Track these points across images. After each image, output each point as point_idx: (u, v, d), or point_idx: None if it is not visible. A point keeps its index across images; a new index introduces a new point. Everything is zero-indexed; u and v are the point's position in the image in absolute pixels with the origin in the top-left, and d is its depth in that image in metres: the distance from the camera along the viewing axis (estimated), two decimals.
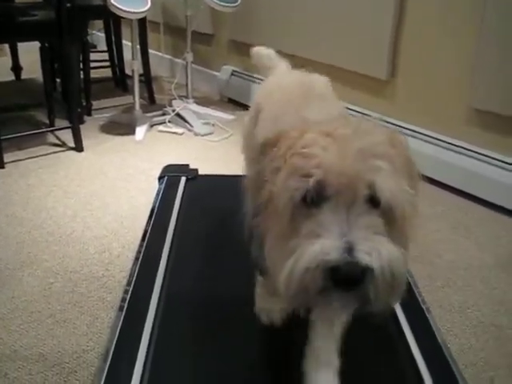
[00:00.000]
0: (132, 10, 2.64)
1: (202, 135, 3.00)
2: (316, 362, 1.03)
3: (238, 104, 3.45)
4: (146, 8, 2.68)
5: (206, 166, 2.58)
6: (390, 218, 0.75)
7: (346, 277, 0.68)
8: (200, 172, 2.10)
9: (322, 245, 0.69)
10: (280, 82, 1.36)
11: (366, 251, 0.68)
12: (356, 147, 0.74)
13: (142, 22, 3.24)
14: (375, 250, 0.69)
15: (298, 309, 0.81)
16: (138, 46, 3.21)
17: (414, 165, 0.85)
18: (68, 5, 2.72)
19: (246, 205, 0.91)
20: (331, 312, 1.01)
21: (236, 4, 3.01)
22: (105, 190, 2.37)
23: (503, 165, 2.22)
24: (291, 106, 1.12)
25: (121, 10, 2.61)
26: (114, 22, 3.58)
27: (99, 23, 4.05)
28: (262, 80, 1.59)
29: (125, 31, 3.56)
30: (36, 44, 2.86)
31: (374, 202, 0.73)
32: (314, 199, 0.73)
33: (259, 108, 1.31)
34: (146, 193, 2.30)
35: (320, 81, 1.29)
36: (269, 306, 1.20)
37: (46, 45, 2.85)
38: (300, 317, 0.85)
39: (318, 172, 0.72)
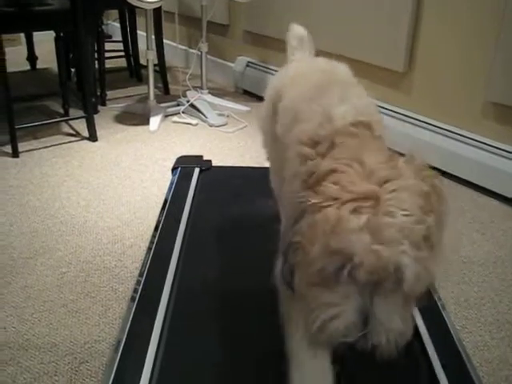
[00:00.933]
0: (147, 0, 2.62)
1: (217, 126, 2.98)
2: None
3: (252, 95, 3.43)
4: None
5: (220, 157, 2.58)
6: (409, 294, 0.81)
7: (360, 350, 0.81)
8: (214, 163, 2.10)
9: (345, 323, 0.79)
10: (301, 69, 1.33)
11: (379, 333, 0.79)
12: (395, 226, 0.75)
13: (157, 11, 3.22)
14: (387, 333, 0.79)
15: None
16: (153, 36, 3.19)
17: (444, 220, 0.87)
18: None
19: (283, 220, 0.96)
20: None
21: None
22: (118, 180, 2.37)
23: None
24: (313, 96, 1.10)
25: None
26: (129, 12, 3.57)
27: (115, 13, 4.04)
28: (277, 71, 1.56)
29: (140, 21, 3.55)
30: (51, 33, 2.87)
31: (398, 282, 0.77)
32: (345, 276, 0.78)
33: (279, 95, 1.28)
34: (160, 183, 2.29)
35: (341, 68, 1.28)
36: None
37: (61, 35, 2.84)
38: None
39: (352, 257, 0.75)
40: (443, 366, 1.13)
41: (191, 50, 3.80)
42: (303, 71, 1.30)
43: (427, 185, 0.82)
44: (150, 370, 1.11)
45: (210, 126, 2.99)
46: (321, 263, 0.78)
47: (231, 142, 2.82)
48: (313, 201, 0.81)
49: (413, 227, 0.76)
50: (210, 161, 2.04)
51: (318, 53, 2.67)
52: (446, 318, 1.29)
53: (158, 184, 2.31)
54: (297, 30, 1.57)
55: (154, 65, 3.17)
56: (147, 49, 3.02)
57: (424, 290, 0.83)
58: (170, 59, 3.69)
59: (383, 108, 2.64)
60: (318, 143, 0.91)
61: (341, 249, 0.76)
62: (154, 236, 1.58)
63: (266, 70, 3.31)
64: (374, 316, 0.78)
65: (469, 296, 1.69)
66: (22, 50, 3.87)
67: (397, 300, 0.80)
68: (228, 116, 3.11)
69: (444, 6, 2.36)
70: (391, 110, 2.61)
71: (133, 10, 3.43)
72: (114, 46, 3.76)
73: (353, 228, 0.75)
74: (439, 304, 1.33)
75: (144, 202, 2.19)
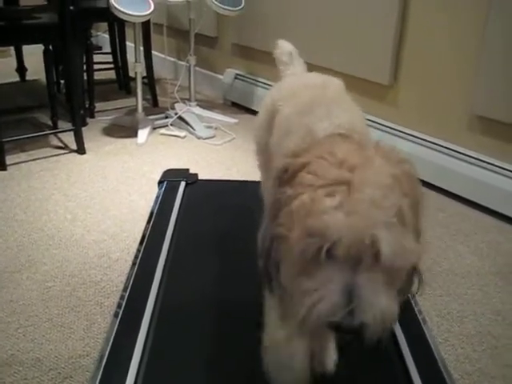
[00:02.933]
0: (135, 14, 2.64)
1: (205, 139, 3.00)
2: None
3: (241, 107, 3.45)
4: (149, 11, 2.68)
5: (208, 170, 2.60)
6: (391, 269, 0.81)
7: (346, 331, 0.81)
8: (201, 176, 2.11)
9: (329, 305, 0.79)
10: (296, 84, 1.35)
11: (365, 310, 0.78)
12: (366, 201, 0.78)
13: (146, 24, 3.24)
14: (372, 309, 0.78)
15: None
16: (142, 48, 3.21)
17: (421, 204, 0.90)
18: (71, 7, 2.73)
19: (265, 221, 0.94)
20: None
21: (239, 8, 3.01)
22: (105, 194, 2.38)
23: (504, 172, 2.21)
24: (303, 111, 1.13)
25: (124, 13, 2.61)
26: (118, 25, 3.59)
27: (105, 25, 4.06)
28: (265, 83, 1.58)
29: (129, 33, 3.57)
30: (41, 45, 2.87)
31: (377, 256, 0.79)
32: (324, 256, 0.79)
33: (275, 109, 1.30)
34: (147, 196, 2.30)
35: (334, 82, 1.30)
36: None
37: (50, 47, 2.86)
38: None
39: (328, 235, 0.78)
40: (422, 380, 1.14)
41: (180, 62, 3.82)
42: (298, 86, 1.32)
43: (397, 169, 0.85)
44: None
45: (198, 138, 3.01)
46: (301, 246, 0.80)
47: (219, 154, 2.83)
48: (289, 192, 0.84)
49: (384, 203, 0.79)
50: (196, 174, 2.05)
51: (306, 66, 2.69)
52: (426, 333, 1.30)
53: (145, 197, 2.32)
54: (285, 46, 1.60)
55: (143, 77, 3.19)
56: (135, 61, 3.04)
57: (406, 270, 0.84)
58: (159, 71, 3.71)
59: (370, 121, 2.66)
60: (297, 156, 0.94)
61: (317, 228, 0.78)
62: (138, 250, 1.58)
63: (254, 82, 3.34)
64: (358, 293, 0.78)
65: (451, 308, 1.70)
66: (12, 61, 3.89)
67: (378, 276, 0.80)
68: (216, 128, 3.13)
69: (428, 20, 2.39)
70: (377, 123, 2.64)
71: (122, 22, 3.45)
72: (103, 58, 3.78)
73: (327, 207, 0.78)
74: (420, 318, 1.34)
75: (131, 215, 2.20)
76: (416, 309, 1.38)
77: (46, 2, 3.22)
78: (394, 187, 0.82)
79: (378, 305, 0.79)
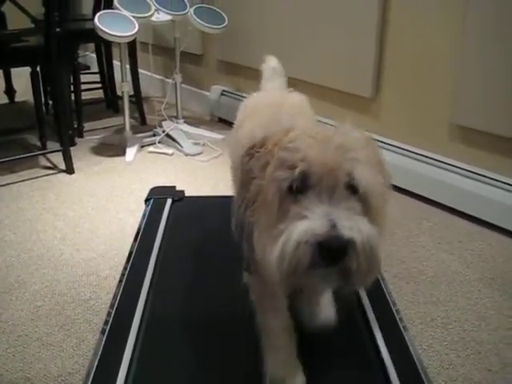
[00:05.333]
0: (119, 34, 2.69)
1: (192, 155, 3.03)
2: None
3: (228, 123, 3.49)
4: (133, 32, 2.72)
5: (195, 187, 2.63)
6: (366, 203, 0.84)
7: (332, 249, 0.76)
8: (189, 192, 2.13)
9: (309, 223, 0.78)
10: (258, 102, 1.40)
11: (348, 227, 0.77)
12: (336, 142, 0.84)
13: (132, 43, 3.28)
14: (356, 227, 0.78)
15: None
16: (128, 66, 3.25)
17: (384, 165, 0.94)
18: (58, 30, 2.77)
19: (234, 205, 0.97)
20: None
21: (223, 26, 3.06)
22: (94, 212, 2.40)
23: (486, 180, 2.25)
24: (265, 126, 1.17)
25: (108, 34, 2.65)
26: (104, 45, 3.63)
27: (92, 45, 4.10)
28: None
29: (115, 52, 3.61)
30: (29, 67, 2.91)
31: (352, 189, 0.82)
32: (299, 188, 0.82)
33: (239, 125, 1.36)
34: (136, 214, 2.32)
35: (292, 100, 1.34)
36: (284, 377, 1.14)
37: (37, 69, 2.89)
38: None
39: (302, 164, 0.81)
40: None
41: (167, 80, 3.86)
42: (259, 104, 1.37)
43: (362, 135, 0.91)
44: None
45: (186, 155, 3.04)
46: (276, 181, 0.83)
47: (206, 170, 2.86)
48: (258, 156, 0.89)
49: (353, 146, 0.84)
50: (182, 191, 2.08)
51: (290, 80, 2.75)
52: (407, 340, 1.32)
53: (133, 215, 2.35)
54: (270, 61, 1.66)
55: (130, 96, 3.23)
56: (122, 81, 3.07)
57: (380, 203, 0.86)
58: (146, 89, 3.75)
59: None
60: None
61: (290, 158, 0.82)
62: (125, 268, 1.60)
63: (240, 98, 3.37)
64: (339, 216, 0.78)
65: (435, 315, 1.73)
66: (0, 83, 3.91)
67: (356, 205, 0.82)
68: (204, 145, 3.17)
69: (409, 31, 2.44)
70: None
71: (108, 42, 3.49)
72: (91, 78, 3.83)
73: (299, 145, 0.83)
74: (401, 326, 1.37)
75: (120, 233, 2.23)
76: (398, 317, 1.41)
77: (33, 25, 3.26)
78: (362, 142, 0.87)
79: (361, 225, 0.79)
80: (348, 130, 0.89)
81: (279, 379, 1.13)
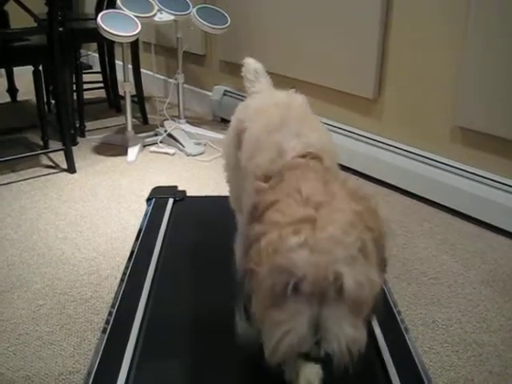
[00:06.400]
0: (122, 34, 2.69)
1: (194, 155, 3.03)
2: None
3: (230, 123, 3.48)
4: (136, 31, 2.73)
5: (197, 187, 2.63)
6: (356, 301, 0.87)
7: (314, 360, 0.89)
8: (191, 192, 2.14)
9: (297, 337, 0.84)
10: (263, 102, 1.39)
11: (330, 340, 0.84)
12: (328, 239, 0.84)
13: (135, 43, 3.29)
14: (337, 339, 0.84)
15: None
16: (130, 66, 3.26)
17: (384, 238, 0.95)
18: (60, 29, 2.77)
19: (238, 247, 1.04)
20: None
21: (225, 26, 3.06)
22: (96, 212, 2.40)
23: (487, 181, 2.25)
24: (271, 129, 1.17)
25: (111, 33, 2.66)
26: (107, 44, 3.64)
27: (95, 44, 4.11)
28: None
29: (118, 52, 3.61)
30: (31, 66, 2.91)
31: (340, 289, 0.84)
32: (290, 291, 0.85)
33: (242, 127, 1.34)
34: (137, 214, 2.33)
35: (298, 101, 1.34)
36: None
37: (40, 68, 2.89)
38: None
39: (294, 271, 0.83)
40: None
41: (169, 80, 3.87)
42: (264, 105, 1.36)
43: (361, 205, 0.91)
44: None
45: (188, 155, 3.04)
46: (269, 282, 0.86)
47: (208, 170, 2.86)
48: (258, 229, 0.90)
49: (346, 240, 0.84)
50: (184, 191, 2.08)
51: (291, 81, 2.75)
52: (408, 342, 1.32)
53: (135, 214, 2.35)
54: (250, 64, 1.64)
55: (133, 95, 3.22)
56: (124, 80, 3.07)
57: (372, 299, 0.89)
58: (149, 89, 3.75)
59: (355, 134, 2.71)
60: (270, 178, 0.98)
61: (284, 265, 0.84)
62: (126, 267, 1.61)
63: (242, 98, 3.35)
64: (323, 325, 0.84)
65: (437, 317, 1.73)
66: (3, 82, 3.92)
67: (343, 308, 0.85)
68: (205, 145, 3.17)
69: (411, 33, 2.44)
70: (362, 136, 2.68)
71: (111, 42, 3.49)
72: (93, 77, 3.83)
73: (293, 245, 0.84)
74: (402, 326, 1.37)
75: (121, 232, 2.23)
76: (399, 318, 1.41)
77: (35, 24, 3.26)
78: (356, 223, 0.87)
79: (343, 335, 0.84)
80: (342, 204, 0.89)
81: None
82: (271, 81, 1.62)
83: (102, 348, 1.28)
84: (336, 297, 0.84)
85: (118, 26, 2.71)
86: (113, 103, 3.82)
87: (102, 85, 3.81)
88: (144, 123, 3.55)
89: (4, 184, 2.66)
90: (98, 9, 3.26)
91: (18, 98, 3.94)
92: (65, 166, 2.83)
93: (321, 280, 0.83)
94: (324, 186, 0.92)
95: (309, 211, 0.87)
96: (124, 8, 2.80)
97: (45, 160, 2.96)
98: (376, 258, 0.89)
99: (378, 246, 0.91)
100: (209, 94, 3.67)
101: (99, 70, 3.84)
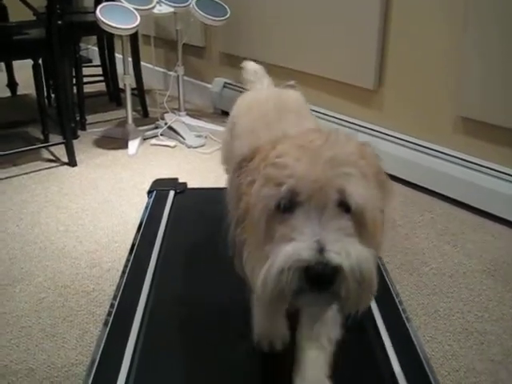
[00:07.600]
0: (121, 27, 2.68)
1: (195, 147, 3.03)
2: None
3: None
4: (135, 24, 2.72)
5: (198, 179, 2.63)
6: (360, 222, 0.79)
7: (318, 276, 0.72)
8: (192, 184, 2.13)
9: (294, 247, 0.73)
10: (255, 98, 1.40)
11: (336, 251, 0.72)
12: (326, 156, 0.78)
13: (134, 36, 3.28)
14: (345, 251, 0.73)
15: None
16: (130, 59, 3.25)
17: (385, 176, 0.89)
18: (60, 22, 2.76)
19: (228, 218, 0.95)
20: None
21: (225, 17, 3.05)
22: (97, 205, 2.41)
23: (490, 171, 2.25)
24: (265, 121, 1.17)
25: (110, 26, 2.65)
26: (106, 38, 3.63)
27: (95, 38, 4.10)
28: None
29: (117, 45, 3.60)
30: (30, 60, 2.91)
31: (344, 206, 0.77)
32: (286, 206, 0.77)
33: (234, 122, 1.36)
34: (138, 207, 2.32)
35: (293, 97, 1.34)
36: (269, 332, 1.17)
37: (39, 62, 2.89)
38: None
39: (289, 180, 0.76)
40: (406, 378, 1.17)
41: (169, 72, 3.86)
42: (257, 100, 1.37)
43: (360, 146, 0.86)
44: None
45: (188, 147, 3.04)
46: (263, 199, 0.79)
47: (209, 162, 2.86)
48: (250, 169, 0.85)
49: (347, 158, 0.79)
50: (185, 183, 2.08)
51: (292, 72, 2.74)
52: (410, 331, 1.32)
53: (136, 207, 2.35)
54: (250, 66, 1.67)
55: (133, 88, 3.22)
56: (124, 73, 3.07)
57: (375, 221, 0.81)
58: (149, 81, 3.74)
59: (356, 125, 2.70)
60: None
61: (277, 175, 0.77)
62: (128, 259, 1.61)
63: (243, 90, 3.36)
64: (328, 238, 0.73)
65: (438, 307, 1.73)
66: (2, 76, 3.92)
67: (348, 224, 0.77)
68: (206, 137, 3.16)
69: (412, 23, 2.43)
70: (363, 127, 2.67)
71: (110, 35, 3.49)
72: (93, 71, 3.82)
73: (287, 160, 0.78)
74: (404, 316, 1.37)
75: (122, 225, 2.23)
76: (400, 307, 1.41)
77: (34, 18, 3.25)
78: (356, 153, 0.82)
79: (351, 248, 0.74)
80: (342, 140, 0.83)
81: (265, 335, 1.15)
82: (271, 81, 1.64)
83: (104, 340, 1.28)
84: (338, 210, 0.76)
85: (117, 18, 2.70)
86: (113, 96, 3.81)
87: (102, 78, 3.80)
88: (144, 116, 3.55)
89: (5, 178, 2.66)
90: (97, 1, 3.24)
91: (18, 93, 3.94)
92: (66, 159, 2.83)
93: (320, 187, 0.75)
94: (327, 135, 0.85)
95: (306, 144, 0.81)
96: (123, 0, 2.79)
97: (45, 154, 2.96)
98: (376, 182, 0.83)
99: (379, 182, 0.85)
100: (209, 86, 3.66)
101: (99, 63, 3.84)
